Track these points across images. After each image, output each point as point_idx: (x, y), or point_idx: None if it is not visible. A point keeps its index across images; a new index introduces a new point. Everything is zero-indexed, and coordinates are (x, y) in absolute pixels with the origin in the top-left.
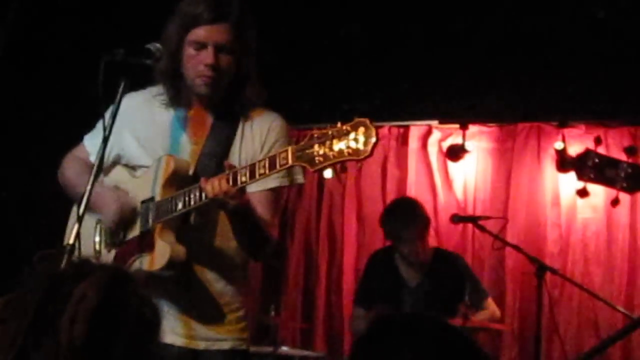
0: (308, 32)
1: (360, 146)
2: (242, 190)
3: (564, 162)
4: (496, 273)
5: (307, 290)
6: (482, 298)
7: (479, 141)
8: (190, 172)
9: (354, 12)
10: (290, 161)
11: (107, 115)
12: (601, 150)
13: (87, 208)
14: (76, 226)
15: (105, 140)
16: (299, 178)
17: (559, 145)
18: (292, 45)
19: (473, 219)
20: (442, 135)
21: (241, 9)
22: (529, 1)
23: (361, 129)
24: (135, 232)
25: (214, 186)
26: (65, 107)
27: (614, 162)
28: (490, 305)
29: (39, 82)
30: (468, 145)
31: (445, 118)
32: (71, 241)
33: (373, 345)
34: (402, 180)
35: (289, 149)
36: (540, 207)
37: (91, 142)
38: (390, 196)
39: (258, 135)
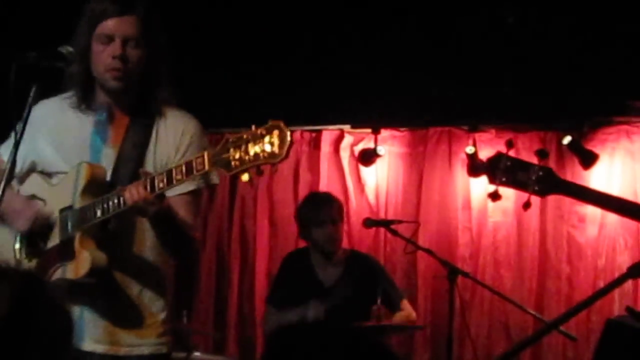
0: (220, 34)
1: (276, 149)
2: (161, 196)
3: (474, 166)
4: (408, 277)
5: (219, 295)
6: (398, 299)
7: (390, 145)
8: (108, 177)
9: (266, 15)
10: (206, 166)
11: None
12: (512, 154)
13: None
14: None
15: (17, 144)
16: (215, 178)
17: (469, 149)
18: (203, 48)
19: (385, 223)
20: (354, 140)
21: (147, 5)
22: (439, 4)
23: (275, 132)
24: (55, 241)
25: (132, 194)
26: None
27: (525, 165)
28: (406, 306)
29: None
30: (380, 149)
31: (357, 122)
32: None
33: (283, 355)
34: (315, 184)
35: (205, 154)
36: (451, 211)
37: (7, 151)
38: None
39: (172, 137)
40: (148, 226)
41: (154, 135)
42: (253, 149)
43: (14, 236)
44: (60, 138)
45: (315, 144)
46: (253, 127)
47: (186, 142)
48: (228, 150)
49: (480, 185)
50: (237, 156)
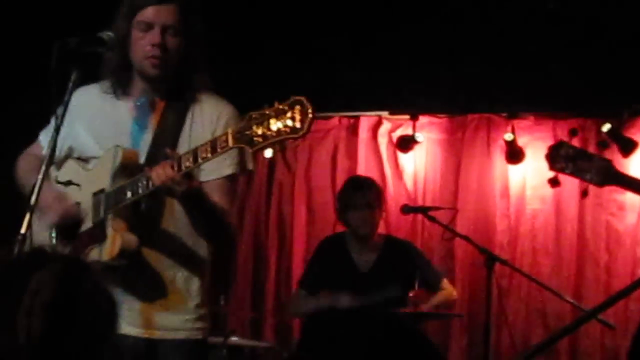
0: (259, 20)
1: (297, 124)
2: (189, 175)
3: (513, 153)
4: (445, 263)
5: (256, 281)
6: (437, 279)
7: (429, 132)
8: (142, 160)
9: (304, 2)
10: (230, 143)
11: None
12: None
13: (35, 191)
14: (27, 216)
15: (57, 129)
16: (250, 164)
17: (508, 136)
18: (241, 35)
19: (423, 210)
20: (392, 126)
21: None
22: None
23: (297, 107)
24: (88, 224)
25: (158, 174)
26: (16, 98)
27: (587, 155)
28: (447, 285)
29: None
30: (418, 136)
31: (395, 109)
32: (22, 231)
33: (323, 337)
34: (352, 171)
35: (229, 131)
36: (489, 198)
37: (46, 137)
38: (340, 186)
39: (208, 121)
40: (182, 209)
41: (189, 119)
42: (275, 125)
43: (47, 227)
44: (97, 124)
45: (353, 130)
46: (276, 103)
47: (222, 126)
48: (251, 127)
49: (519, 173)
50: (259, 132)
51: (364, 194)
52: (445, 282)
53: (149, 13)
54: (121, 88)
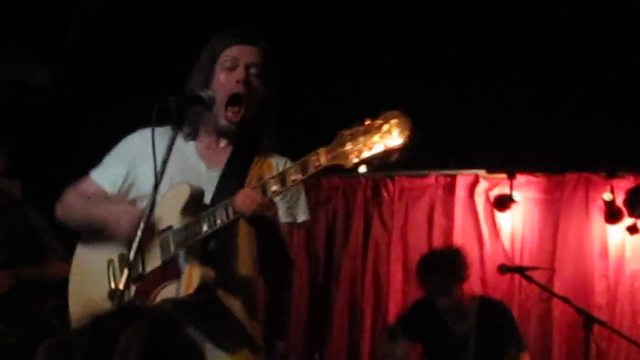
0: (343, 79)
1: (395, 137)
2: (272, 201)
3: (612, 213)
4: (543, 324)
5: (351, 339)
6: (519, 350)
7: (526, 191)
8: (207, 200)
9: (398, 59)
10: (323, 162)
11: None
12: None
13: (134, 247)
14: (125, 271)
15: (156, 186)
16: (302, 216)
17: (607, 196)
18: (325, 90)
19: (520, 269)
20: (489, 185)
21: (271, 45)
22: (579, 52)
23: (394, 121)
24: (155, 263)
25: (245, 198)
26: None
27: None
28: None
29: (88, 127)
30: (515, 195)
31: (492, 167)
32: (121, 287)
33: None
34: (449, 230)
35: (321, 150)
36: (587, 258)
37: (101, 175)
38: (437, 245)
39: (275, 168)
40: (245, 247)
41: (254, 164)
42: (371, 140)
43: (106, 264)
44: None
45: (450, 189)
46: (368, 120)
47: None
48: (344, 144)
49: (618, 233)
50: (355, 148)
51: (440, 280)
52: (524, 356)
53: (233, 51)
54: (191, 130)
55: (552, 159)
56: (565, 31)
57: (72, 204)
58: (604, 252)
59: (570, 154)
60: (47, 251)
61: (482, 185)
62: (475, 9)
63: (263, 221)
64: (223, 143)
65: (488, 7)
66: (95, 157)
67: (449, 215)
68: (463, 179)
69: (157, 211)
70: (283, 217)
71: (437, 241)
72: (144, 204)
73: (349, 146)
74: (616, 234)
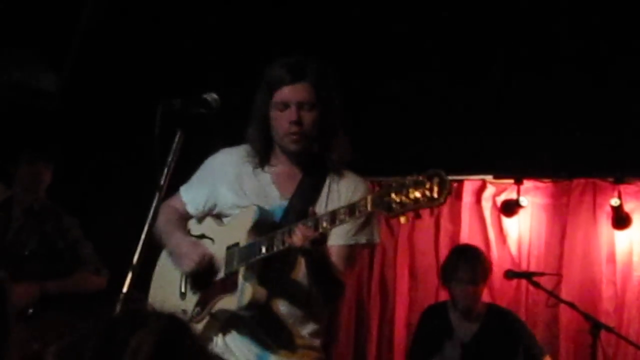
0: (362, 84)
1: (435, 195)
2: (324, 236)
3: (619, 219)
4: (550, 330)
5: (358, 344)
6: (541, 354)
7: (533, 196)
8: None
9: (411, 66)
10: (369, 208)
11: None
12: None
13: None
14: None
15: (161, 189)
16: (375, 238)
17: (615, 201)
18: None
19: (527, 275)
20: (496, 190)
21: (319, 68)
22: (584, 56)
23: (436, 179)
24: (220, 275)
25: (297, 232)
26: (121, 156)
27: None
28: None
29: (95, 131)
30: (522, 200)
31: (499, 173)
32: (125, 289)
33: None
34: (456, 235)
35: (368, 197)
36: (595, 264)
37: (187, 193)
38: (443, 251)
39: (344, 194)
40: (306, 272)
41: (325, 190)
42: (414, 194)
43: (179, 274)
44: (240, 185)
45: (457, 194)
46: (415, 175)
47: (356, 201)
48: (389, 194)
49: (626, 239)
50: (398, 200)
51: (471, 269)
52: (547, 358)
53: (284, 93)
54: (263, 159)
55: (560, 164)
56: (572, 37)
57: (158, 226)
58: (612, 257)
59: (577, 160)
60: (81, 264)
61: (489, 191)
62: (486, 15)
63: (313, 253)
64: (294, 169)
65: (498, 12)
66: (101, 159)
67: (455, 220)
68: (470, 184)
69: (229, 227)
70: (339, 239)
71: (444, 246)
72: (225, 221)
73: (393, 197)
74: (624, 240)
